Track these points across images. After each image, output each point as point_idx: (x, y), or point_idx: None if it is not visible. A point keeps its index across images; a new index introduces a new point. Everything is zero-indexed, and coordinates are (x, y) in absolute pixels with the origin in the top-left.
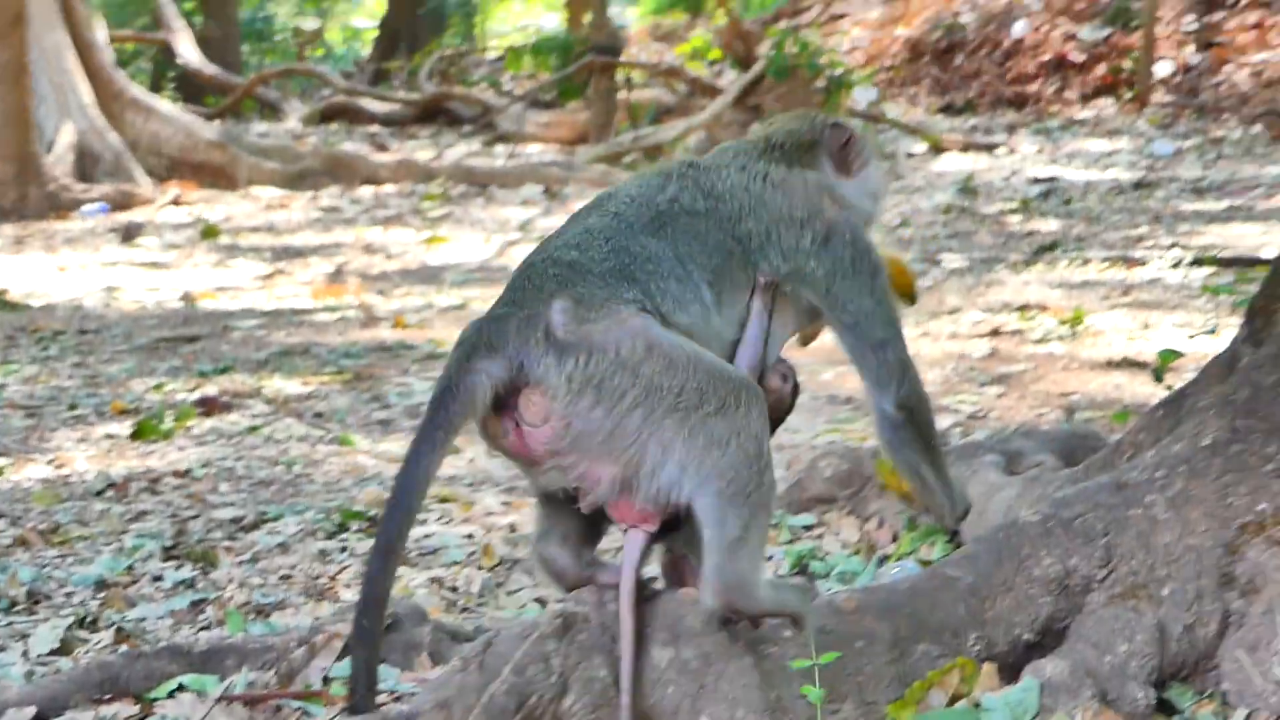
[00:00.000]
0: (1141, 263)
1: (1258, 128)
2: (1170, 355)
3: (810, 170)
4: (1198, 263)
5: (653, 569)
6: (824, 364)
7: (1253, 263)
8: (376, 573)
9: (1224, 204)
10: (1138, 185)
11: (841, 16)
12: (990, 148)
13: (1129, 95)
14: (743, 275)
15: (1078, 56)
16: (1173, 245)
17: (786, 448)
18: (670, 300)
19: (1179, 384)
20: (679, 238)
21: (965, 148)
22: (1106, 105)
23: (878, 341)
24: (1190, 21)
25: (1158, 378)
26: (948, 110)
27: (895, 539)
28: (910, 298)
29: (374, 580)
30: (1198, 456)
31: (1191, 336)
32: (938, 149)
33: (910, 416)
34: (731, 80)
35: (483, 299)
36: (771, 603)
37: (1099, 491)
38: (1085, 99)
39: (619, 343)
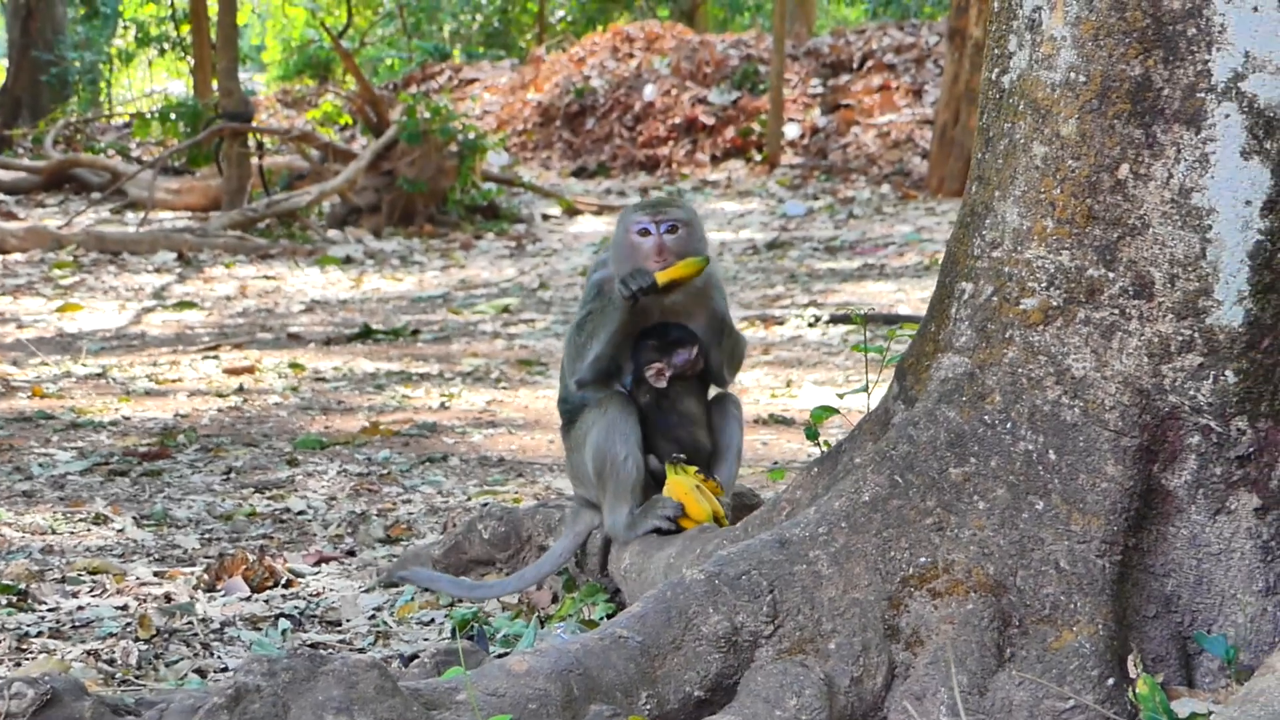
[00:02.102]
0: (780, 321)
1: (885, 188)
2: (825, 412)
3: None
4: (834, 320)
5: None
6: (472, 426)
7: (891, 320)
8: None
9: (857, 263)
10: (771, 245)
11: (472, 81)
12: None
13: (759, 157)
14: None
15: (708, 119)
16: (809, 304)
17: (440, 510)
18: None
19: (827, 440)
20: None
21: (599, 210)
22: (738, 167)
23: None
24: (816, 85)
25: (811, 435)
26: (581, 174)
27: (555, 600)
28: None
29: None
30: (858, 512)
31: (842, 395)
32: (572, 212)
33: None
34: (364, 145)
35: (121, 366)
36: None
37: (763, 548)
38: (716, 161)
39: None
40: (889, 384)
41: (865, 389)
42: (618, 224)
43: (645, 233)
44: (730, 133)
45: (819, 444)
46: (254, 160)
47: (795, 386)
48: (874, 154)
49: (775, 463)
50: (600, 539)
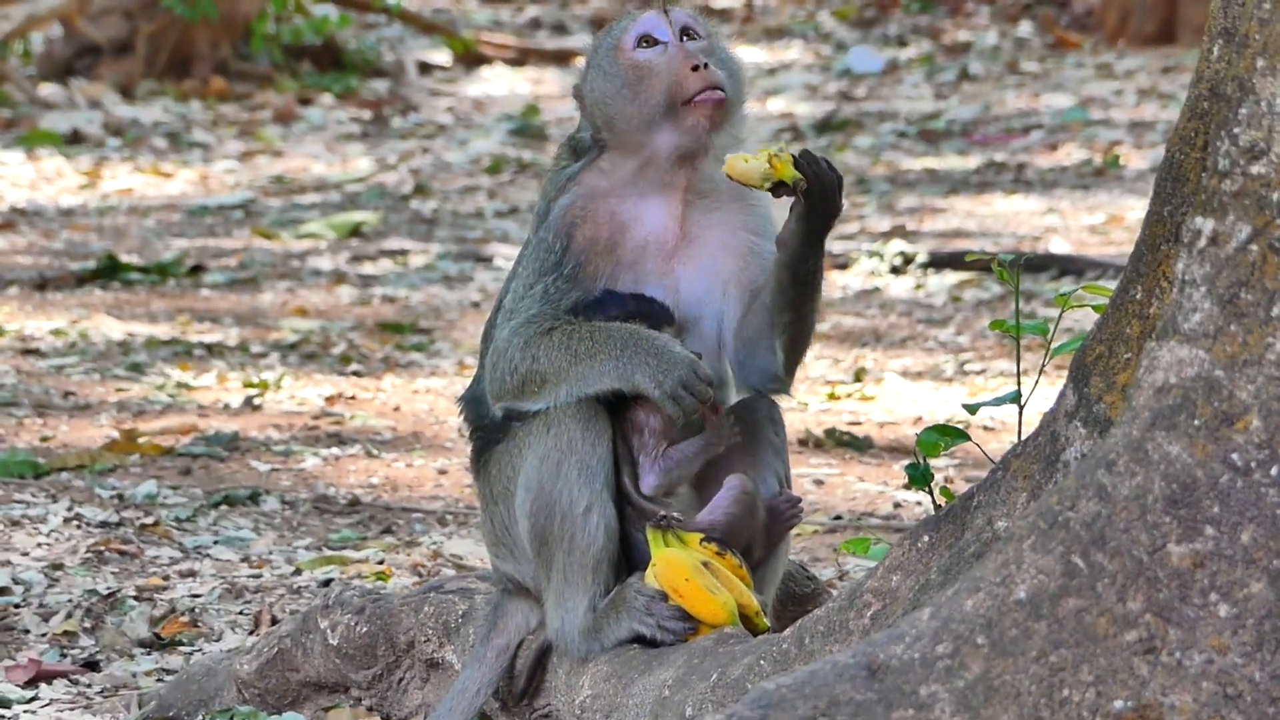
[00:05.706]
0: (842, 264)
1: (1026, 28)
2: (942, 438)
3: None
4: (938, 264)
5: None
6: (302, 441)
7: (1044, 266)
8: None
9: (975, 160)
10: (825, 126)
11: None
12: (565, 56)
13: None
14: None
15: None
16: (892, 233)
17: (249, 592)
18: None
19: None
20: None
21: (522, 57)
22: None
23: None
24: None
25: (919, 478)
26: None
27: None
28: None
29: None
30: (1007, 619)
31: (972, 408)
32: (473, 58)
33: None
34: None
35: None
36: None
37: (836, 679)
38: None
39: None
40: (1059, 390)
41: (1016, 398)
42: (593, 59)
43: (649, 40)
44: None
45: (930, 492)
46: None
47: (871, 380)
48: None
49: (839, 516)
50: (536, 648)
